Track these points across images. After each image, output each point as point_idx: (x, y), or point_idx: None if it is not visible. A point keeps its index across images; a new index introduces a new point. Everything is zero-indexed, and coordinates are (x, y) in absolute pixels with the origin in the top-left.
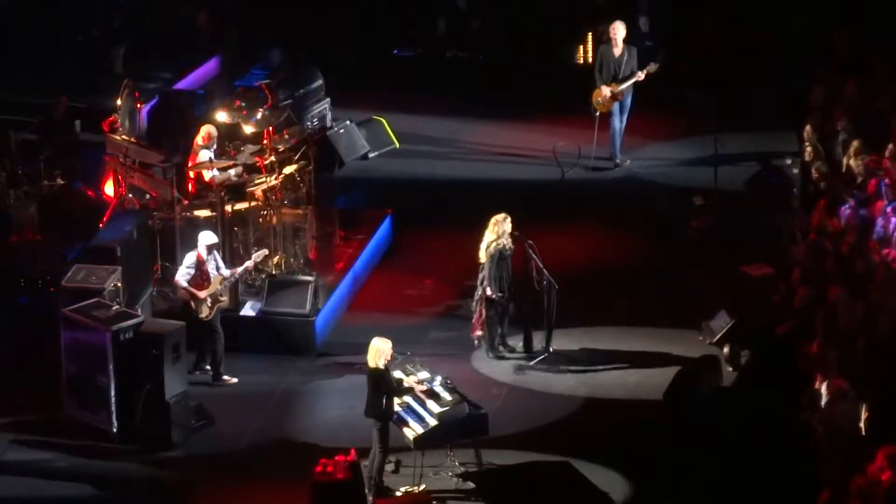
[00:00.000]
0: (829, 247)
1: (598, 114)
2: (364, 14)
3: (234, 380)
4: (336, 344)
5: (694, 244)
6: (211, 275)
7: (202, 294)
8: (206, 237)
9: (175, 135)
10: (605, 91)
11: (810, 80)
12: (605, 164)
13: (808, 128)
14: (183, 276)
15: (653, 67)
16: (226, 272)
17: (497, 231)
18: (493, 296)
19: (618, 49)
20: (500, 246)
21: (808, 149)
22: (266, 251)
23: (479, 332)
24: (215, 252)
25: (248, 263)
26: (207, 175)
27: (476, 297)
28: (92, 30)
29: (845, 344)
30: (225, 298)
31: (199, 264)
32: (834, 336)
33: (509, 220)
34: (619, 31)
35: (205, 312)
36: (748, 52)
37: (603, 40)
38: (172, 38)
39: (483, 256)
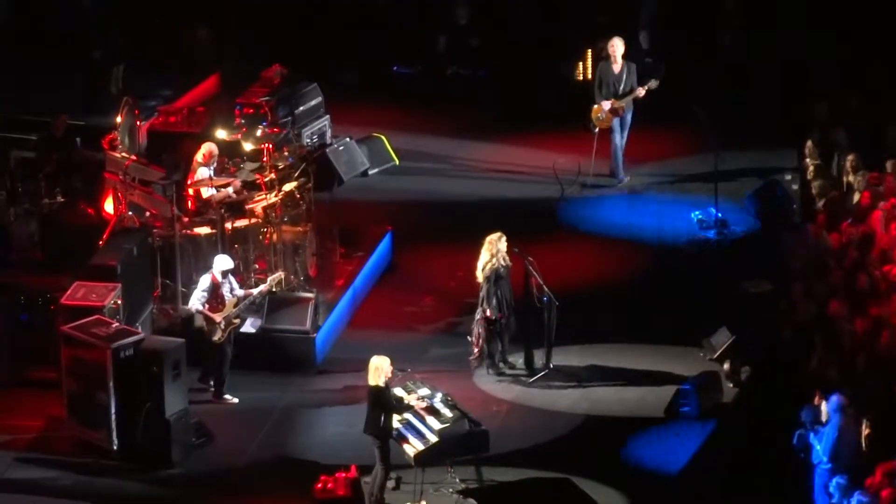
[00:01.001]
0: (831, 262)
1: (596, 130)
2: (364, 31)
3: (235, 400)
4: (336, 360)
5: (694, 260)
6: (226, 297)
7: (217, 317)
8: (222, 262)
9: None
10: (605, 105)
11: (811, 95)
12: (605, 181)
13: (808, 143)
14: (198, 299)
15: (653, 84)
16: (240, 293)
17: (492, 251)
18: (493, 316)
19: (617, 66)
20: (496, 266)
21: (809, 164)
22: (282, 274)
23: (475, 356)
24: (230, 275)
25: (263, 287)
26: (206, 193)
27: (476, 318)
28: (94, 50)
29: (845, 360)
30: (238, 321)
31: (215, 287)
32: (834, 352)
33: (504, 238)
34: (617, 47)
35: (218, 335)
36: (749, 68)
37: (602, 57)
38: (172, 56)
39: (480, 277)
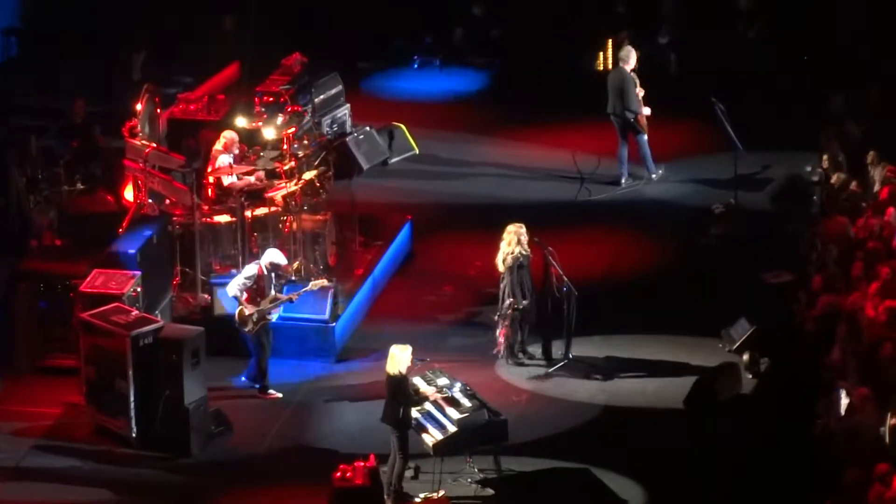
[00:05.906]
0: (851, 254)
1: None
2: (384, 20)
3: (279, 395)
4: (355, 350)
5: (713, 252)
6: (267, 292)
7: (250, 309)
8: (272, 255)
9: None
10: (647, 111)
11: (830, 88)
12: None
13: (829, 136)
14: (237, 285)
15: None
16: (283, 295)
17: (512, 241)
18: (517, 305)
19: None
20: (517, 255)
21: (828, 158)
22: (325, 281)
23: (500, 348)
24: (278, 270)
25: (304, 290)
26: (226, 180)
27: (500, 311)
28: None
29: (867, 351)
30: (272, 317)
31: (258, 279)
32: (855, 343)
33: (524, 228)
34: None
35: (249, 326)
36: (771, 60)
37: (620, 61)
38: (192, 43)
39: (501, 267)
